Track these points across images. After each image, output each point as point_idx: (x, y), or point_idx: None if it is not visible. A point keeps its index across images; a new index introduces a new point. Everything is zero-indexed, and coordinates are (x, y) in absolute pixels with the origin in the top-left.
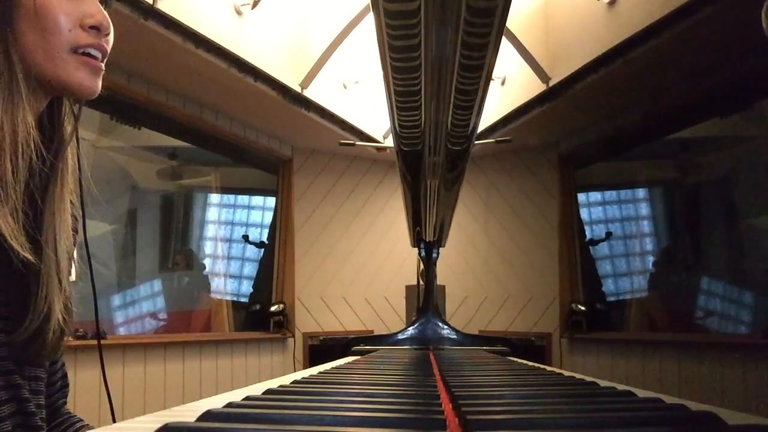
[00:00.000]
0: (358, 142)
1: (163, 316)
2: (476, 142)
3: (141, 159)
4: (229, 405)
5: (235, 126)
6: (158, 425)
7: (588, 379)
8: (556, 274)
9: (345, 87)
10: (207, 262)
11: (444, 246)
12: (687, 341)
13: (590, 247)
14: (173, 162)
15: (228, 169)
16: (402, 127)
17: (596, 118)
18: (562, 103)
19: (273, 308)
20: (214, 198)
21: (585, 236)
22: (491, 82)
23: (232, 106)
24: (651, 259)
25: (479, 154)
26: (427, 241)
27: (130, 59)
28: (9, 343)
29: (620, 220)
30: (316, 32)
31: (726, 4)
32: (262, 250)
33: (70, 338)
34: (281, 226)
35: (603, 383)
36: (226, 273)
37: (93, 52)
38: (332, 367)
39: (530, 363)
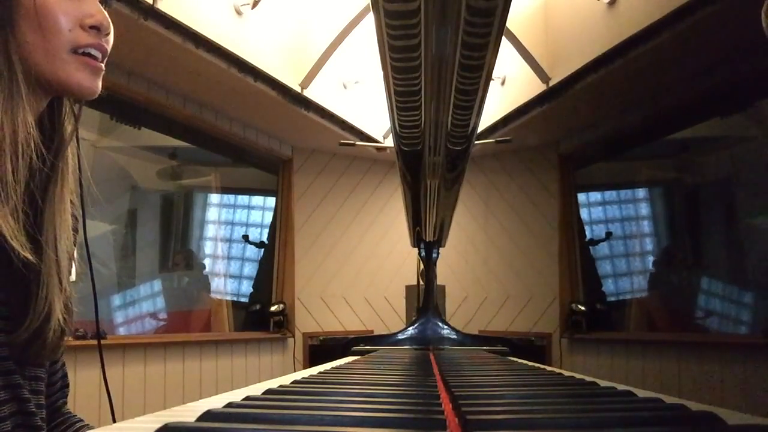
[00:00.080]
0: (358, 142)
1: (163, 316)
2: (476, 142)
3: (141, 159)
4: (229, 405)
5: (235, 126)
6: (158, 425)
7: (588, 379)
8: (556, 274)
9: (345, 87)
10: (207, 262)
11: (444, 246)
12: (687, 341)
13: (590, 247)
14: (173, 162)
15: (228, 169)
16: (402, 127)
17: (596, 118)
18: (562, 103)
19: (273, 308)
20: (214, 198)
21: (585, 236)
22: (491, 82)
23: (232, 106)
24: (651, 259)
25: (479, 154)
26: (427, 241)
27: (130, 59)
28: (9, 343)
29: (620, 220)
30: (316, 32)
31: (726, 4)
32: (262, 250)
33: (70, 338)
34: (281, 226)
35: (603, 383)
36: (226, 273)
37: (93, 52)
38: (332, 367)
39: (530, 363)
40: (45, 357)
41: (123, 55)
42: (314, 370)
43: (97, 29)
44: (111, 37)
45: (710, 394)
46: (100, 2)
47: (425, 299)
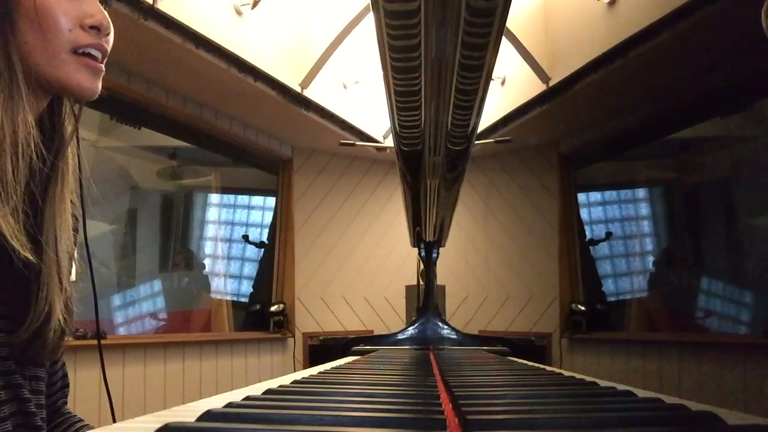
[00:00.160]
0: (358, 142)
1: (163, 316)
2: (476, 142)
3: (141, 159)
4: (229, 405)
5: (235, 126)
6: (158, 425)
7: (588, 379)
8: (556, 274)
9: (345, 87)
10: (207, 262)
11: (444, 246)
12: (687, 341)
13: (590, 247)
14: (173, 162)
15: (228, 169)
16: (402, 127)
17: (596, 118)
18: (562, 103)
19: (273, 308)
20: (214, 198)
21: (585, 236)
22: (491, 82)
23: (232, 106)
24: (651, 259)
25: (479, 154)
26: (427, 241)
27: (130, 59)
28: (9, 343)
29: (620, 220)
30: (316, 32)
31: (726, 4)
32: (262, 250)
33: (70, 338)
34: (281, 226)
35: (603, 383)
36: (226, 273)
37: (93, 52)
38: (332, 367)
39: (530, 363)
40: (45, 357)
41: (123, 55)
42: (314, 370)
43: (97, 29)
44: (111, 37)
45: (710, 394)
46: (100, 2)
47: (425, 299)
